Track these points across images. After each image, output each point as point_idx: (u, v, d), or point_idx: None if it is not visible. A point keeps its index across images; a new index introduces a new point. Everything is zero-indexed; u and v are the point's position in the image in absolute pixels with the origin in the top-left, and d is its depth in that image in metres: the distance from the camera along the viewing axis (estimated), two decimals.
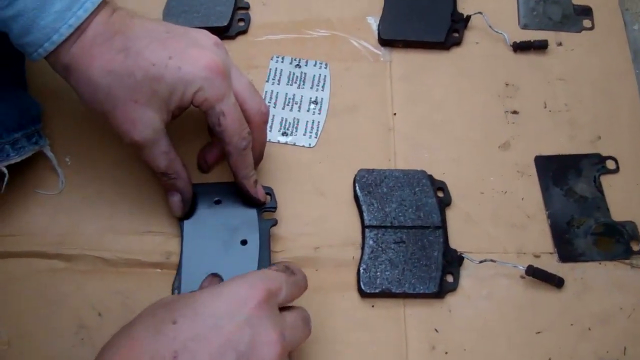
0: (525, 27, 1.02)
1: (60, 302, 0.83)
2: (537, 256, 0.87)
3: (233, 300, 0.64)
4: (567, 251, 0.87)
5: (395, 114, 0.95)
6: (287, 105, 0.94)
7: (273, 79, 0.96)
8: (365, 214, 0.86)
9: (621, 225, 0.89)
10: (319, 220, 0.88)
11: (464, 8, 1.02)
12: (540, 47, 0.99)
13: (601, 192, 0.91)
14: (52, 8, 0.71)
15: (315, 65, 0.96)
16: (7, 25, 0.72)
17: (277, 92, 0.96)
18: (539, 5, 1.03)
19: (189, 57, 0.74)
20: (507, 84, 0.97)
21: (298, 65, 0.97)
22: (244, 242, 0.83)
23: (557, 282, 0.84)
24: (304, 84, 0.96)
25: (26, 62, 0.91)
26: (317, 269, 0.86)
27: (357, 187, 0.88)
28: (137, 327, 0.64)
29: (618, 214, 0.90)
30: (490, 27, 0.99)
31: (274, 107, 0.94)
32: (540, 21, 1.02)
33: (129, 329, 0.64)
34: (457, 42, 1.00)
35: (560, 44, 1.01)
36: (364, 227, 0.86)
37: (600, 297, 0.85)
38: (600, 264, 0.87)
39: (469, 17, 1.00)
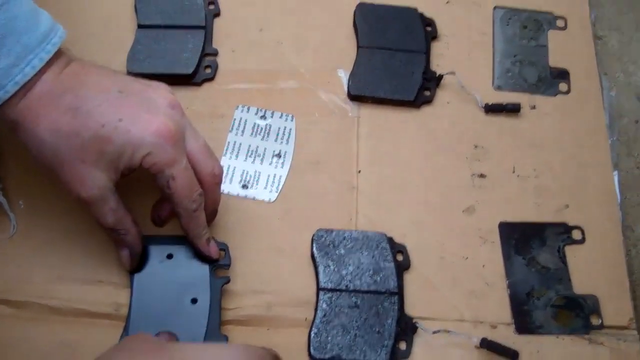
0: (498, 88, 1.03)
1: (5, 350, 0.84)
2: (494, 327, 0.88)
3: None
4: (524, 323, 0.88)
5: (359, 171, 0.96)
6: (250, 157, 0.95)
7: (237, 129, 0.97)
8: (320, 276, 0.87)
9: (582, 299, 0.89)
10: (274, 278, 0.89)
11: (437, 65, 1.03)
12: (512, 110, 1.00)
13: (564, 262, 0.92)
14: None
15: (281, 117, 0.97)
16: None
17: (240, 143, 0.96)
18: (515, 67, 1.04)
19: (139, 120, 0.75)
20: (476, 146, 0.98)
21: (264, 117, 0.98)
22: (194, 300, 0.84)
23: (511, 356, 0.85)
24: (268, 136, 0.96)
25: None
26: (268, 328, 0.86)
27: (315, 248, 0.89)
28: None
29: (580, 286, 0.91)
30: (462, 87, 1.00)
31: (236, 159, 0.95)
32: (515, 82, 1.03)
33: None
34: (428, 101, 1.01)
35: (534, 107, 1.02)
36: (318, 288, 0.87)
37: None
38: (557, 337, 0.88)
39: (441, 76, 1.01)
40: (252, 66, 1.03)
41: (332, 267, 0.88)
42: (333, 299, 0.86)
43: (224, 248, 0.87)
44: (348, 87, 1.00)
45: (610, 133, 1.02)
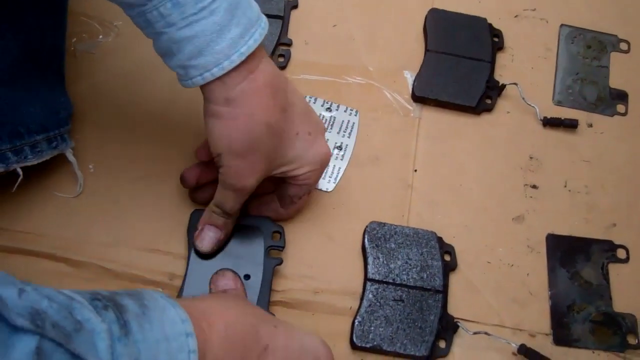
0: (558, 103, 0.99)
1: None
2: (532, 335, 0.84)
3: (317, 347, 0.71)
4: (563, 335, 0.84)
5: (416, 170, 0.92)
6: None
7: None
8: (369, 267, 0.84)
9: (621, 317, 0.85)
10: (324, 265, 0.86)
11: (500, 75, 0.99)
12: (570, 125, 0.96)
13: (607, 280, 0.87)
14: (229, 34, 0.68)
15: (345, 111, 0.94)
16: (180, 46, 0.69)
17: None
18: (576, 84, 1.00)
19: (319, 141, 0.79)
20: (531, 157, 0.94)
21: (329, 109, 0.94)
22: (247, 277, 0.81)
23: None
24: (331, 128, 0.93)
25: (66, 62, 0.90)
26: (313, 313, 0.83)
27: (366, 239, 0.86)
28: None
29: (620, 304, 0.87)
30: (523, 98, 0.96)
31: None
32: (574, 100, 0.99)
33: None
34: (489, 109, 0.97)
35: (590, 125, 0.97)
36: (366, 279, 0.84)
37: None
38: (593, 352, 0.84)
39: (503, 86, 0.97)
40: (323, 59, 0.99)
41: (381, 260, 0.84)
42: (379, 290, 0.83)
43: (279, 231, 0.85)
44: (413, 88, 0.97)
45: None
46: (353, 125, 0.93)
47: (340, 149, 0.92)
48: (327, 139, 0.89)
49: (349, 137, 0.93)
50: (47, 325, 0.47)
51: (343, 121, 0.94)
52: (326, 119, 0.94)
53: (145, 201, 0.87)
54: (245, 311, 0.68)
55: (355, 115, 0.94)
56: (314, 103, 0.94)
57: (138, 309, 0.56)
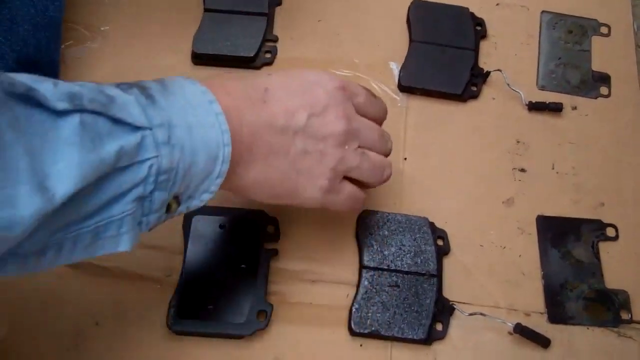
0: (542, 88, 0.99)
1: (61, 306, 0.82)
2: (527, 314, 0.84)
3: (319, 76, 0.71)
4: (557, 313, 0.84)
5: (405, 158, 0.92)
6: None
7: None
8: (364, 254, 0.84)
9: (614, 293, 0.85)
10: (319, 255, 0.86)
11: (485, 63, 0.99)
12: (554, 109, 0.96)
13: (598, 258, 0.87)
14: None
15: None
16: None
17: None
18: (559, 69, 1.00)
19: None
20: (518, 142, 0.94)
21: None
22: (243, 269, 0.81)
23: (543, 343, 0.81)
24: None
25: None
26: (311, 303, 0.83)
27: (360, 227, 0.85)
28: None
29: (612, 281, 0.86)
30: (508, 84, 0.96)
31: None
32: (558, 84, 0.99)
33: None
34: (474, 96, 0.97)
35: (575, 108, 0.97)
36: (361, 267, 0.83)
37: None
38: (588, 329, 0.83)
39: (488, 73, 0.97)
40: (309, 54, 0.99)
41: (375, 247, 0.84)
42: (375, 277, 0.82)
43: (274, 222, 0.84)
44: (399, 79, 0.97)
45: None
46: None
47: None
48: None
49: None
50: (84, 102, 0.52)
51: None
52: None
53: None
54: (239, 75, 0.70)
55: None
56: None
57: (159, 86, 0.60)
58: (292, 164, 0.69)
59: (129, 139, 0.54)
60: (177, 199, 0.61)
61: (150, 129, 0.55)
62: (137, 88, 0.58)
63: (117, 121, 0.54)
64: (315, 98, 0.69)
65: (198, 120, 0.59)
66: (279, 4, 1.02)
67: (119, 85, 0.58)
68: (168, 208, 0.61)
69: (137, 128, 0.55)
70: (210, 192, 0.64)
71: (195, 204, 0.64)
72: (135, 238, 0.60)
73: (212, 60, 0.95)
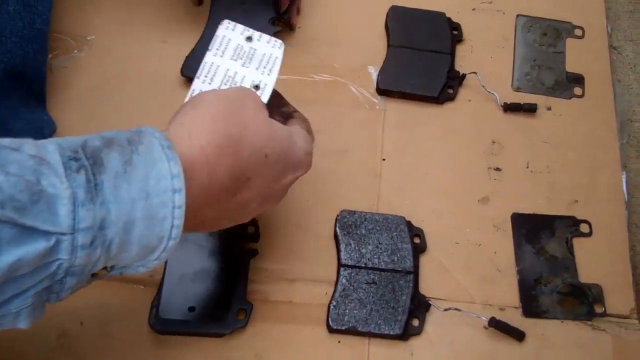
0: (517, 89, 1.00)
1: (46, 308, 0.82)
2: (502, 309, 0.85)
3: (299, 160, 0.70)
4: (531, 307, 0.85)
5: (384, 159, 0.93)
6: (225, 84, 0.74)
7: (218, 49, 0.75)
8: (342, 253, 0.85)
9: (587, 287, 0.86)
10: (298, 254, 0.87)
11: (461, 66, 1.00)
12: (529, 109, 0.97)
13: (572, 253, 0.88)
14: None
15: (268, 42, 0.77)
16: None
17: (218, 66, 0.74)
18: (534, 70, 1.01)
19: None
20: (493, 142, 0.95)
21: (249, 38, 0.76)
22: (223, 270, 0.82)
23: (518, 336, 0.82)
24: (250, 63, 0.76)
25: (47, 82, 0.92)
26: (290, 301, 0.84)
27: (338, 227, 0.86)
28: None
29: (585, 276, 0.87)
30: (483, 86, 0.97)
31: (210, 84, 0.74)
32: (532, 85, 1.00)
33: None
34: (451, 98, 0.98)
35: (549, 109, 0.99)
36: (339, 265, 0.84)
37: (560, 355, 0.83)
38: (562, 322, 0.84)
39: (464, 76, 0.98)
40: (289, 59, 0.99)
41: (353, 246, 0.85)
42: (352, 275, 0.83)
43: (253, 224, 0.85)
44: (377, 82, 0.98)
45: (620, 136, 0.99)
46: (275, 60, 0.77)
47: (258, 88, 0.75)
48: (244, 76, 0.75)
49: (269, 75, 0.76)
50: None
51: (264, 54, 0.77)
52: (245, 51, 0.76)
53: None
54: (243, 142, 0.62)
55: (279, 48, 0.78)
56: (233, 30, 0.76)
57: (121, 166, 0.53)
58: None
59: (36, 247, 0.48)
60: (105, 269, 0.55)
61: (72, 233, 0.49)
62: (88, 171, 0.51)
63: (27, 229, 0.47)
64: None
65: (146, 214, 0.53)
66: None
67: (71, 161, 0.51)
68: (94, 275, 0.55)
69: (51, 234, 0.49)
70: (147, 267, 0.59)
71: (133, 272, 0.59)
72: (37, 316, 0.55)
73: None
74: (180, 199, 0.54)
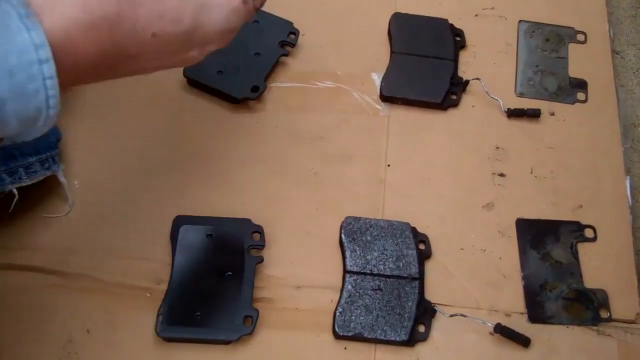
0: (521, 95, 1.00)
1: (52, 315, 0.83)
2: (508, 315, 0.84)
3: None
4: (537, 313, 0.85)
5: (389, 165, 0.93)
6: None
7: None
8: (347, 260, 0.85)
9: (592, 293, 0.86)
10: (304, 261, 0.87)
11: (464, 72, 1.00)
12: (533, 115, 0.97)
13: (577, 259, 0.88)
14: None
15: None
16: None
17: None
18: (536, 76, 1.01)
19: None
20: (497, 148, 0.95)
21: None
22: (229, 276, 0.82)
23: (523, 342, 0.82)
24: None
25: None
26: (296, 308, 0.84)
27: (343, 234, 0.86)
28: None
29: (591, 281, 0.87)
30: (486, 92, 0.97)
31: None
32: (536, 90, 1.00)
33: None
34: (454, 104, 0.98)
35: (552, 114, 0.98)
36: (345, 271, 0.84)
37: None
38: (568, 327, 0.84)
39: (467, 82, 0.98)
40: (293, 67, 1.00)
41: (358, 252, 0.85)
42: (358, 281, 0.83)
43: (258, 230, 0.85)
44: (380, 89, 0.98)
45: (624, 140, 0.98)
46: None
47: None
48: None
49: None
50: None
51: None
52: None
53: (129, 212, 0.88)
54: None
55: None
56: None
57: None
58: None
59: None
60: None
61: None
62: None
63: None
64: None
65: (15, 92, 0.51)
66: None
67: None
68: None
69: None
70: (38, 133, 0.62)
71: (26, 139, 0.63)
72: None
73: None
74: (49, 70, 0.51)
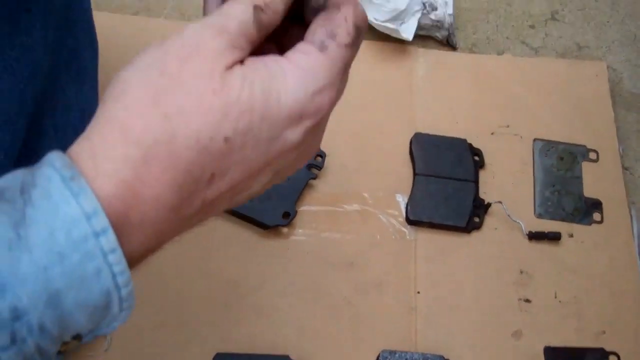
0: (539, 216, 1.02)
1: None
2: None
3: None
4: None
5: (418, 292, 0.94)
6: None
7: None
8: None
9: None
10: None
11: (485, 193, 1.02)
12: (553, 238, 0.99)
13: None
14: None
15: None
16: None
17: None
18: (554, 196, 1.04)
19: None
20: (521, 272, 0.97)
21: None
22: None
23: None
24: None
25: None
26: None
27: None
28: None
29: None
30: (508, 215, 0.99)
31: None
32: (554, 211, 1.03)
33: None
34: (478, 227, 1.00)
35: (571, 235, 1.01)
36: None
37: None
38: None
39: (489, 205, 1.00)
40: (320, 188, 1.01)
41: None
42: None
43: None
44: (406, 212, 0.99)
45: (639, 259, 1.01)
46: None
47: None
48: None
49: None
50: None
51: None
52: None
53: (168, 350, 0.88)
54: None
55: None
56: None
57: (13, 231, 0.39)
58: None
59: None
60: (67, 343, 0.43)
61: None
62: None
63: None
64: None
65: (71, 279, 0.40)
66: None
67: None
68: (61, 352, 0.43)
69: None
70: (118, 322, 0.44)
71: (109, 330, 0.44)
72: None
73: None
74: (109, 242, 0.40)
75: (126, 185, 0.41)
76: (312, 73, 0.45)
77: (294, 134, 0.45)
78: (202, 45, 0.43)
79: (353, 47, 0.47)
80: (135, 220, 0.42)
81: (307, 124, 0.45)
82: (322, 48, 0.45)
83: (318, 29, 0.46)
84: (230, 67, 0.43)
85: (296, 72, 0.44)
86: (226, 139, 0.43)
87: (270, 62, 0.44)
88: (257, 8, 0.44)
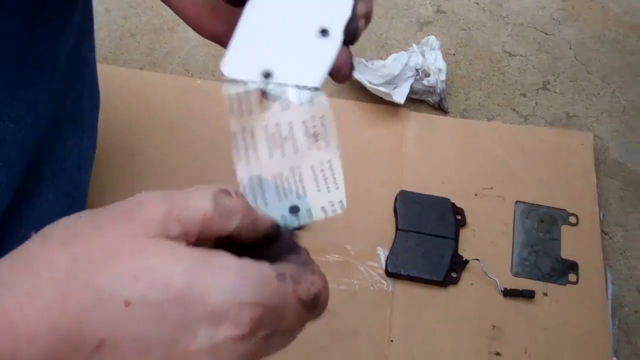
0: (516, 275, 1.05)
1: None
2: None
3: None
4: None
5: (392, 341, 0.97)
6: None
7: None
8: None
9: None
10: None
11: (464, 250, 1.06)
12: (527, 296, 1.02)
13: None
14: None
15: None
16: None
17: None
18: (531, 256, 1.07)
19: None
20: (494, 326, 1.00)
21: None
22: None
23: None
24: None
25: None
26: None
27: None
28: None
29: None
30: (485, 272, 1.02)
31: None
32: (530, 271, 1.06)
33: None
34: (454, 282, 1.03)
35: (546, 294, 1.03)
36: None
37: None
38: None
39: (467, 262, 1.03)
40: (304, 239, 1.05)
41: None
42: None
43: None
44: (386, 265, 1.03)
45: (612, 321, 1.03)
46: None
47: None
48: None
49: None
50: None
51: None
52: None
53: None
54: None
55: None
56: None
57: None
58: None
59: None
60: None
61: None
62: None
63: None
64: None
65: None
66: None
67: None
68: None
69: None
70: None
71: None
72: None
73: None
74: None
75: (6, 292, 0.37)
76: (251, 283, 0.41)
77: (204, 334, 0.39)
78: (143, 205, 0.40)
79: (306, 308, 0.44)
80: (6, 341, 0.36)
81: (222, 331, 0.40)
82: (281, 277, 0.42)
83: (288, 263, 0.44)
84: (163, 237, 0.40)
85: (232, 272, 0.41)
86: (127, 302, 0.37)
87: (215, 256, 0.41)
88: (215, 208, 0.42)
